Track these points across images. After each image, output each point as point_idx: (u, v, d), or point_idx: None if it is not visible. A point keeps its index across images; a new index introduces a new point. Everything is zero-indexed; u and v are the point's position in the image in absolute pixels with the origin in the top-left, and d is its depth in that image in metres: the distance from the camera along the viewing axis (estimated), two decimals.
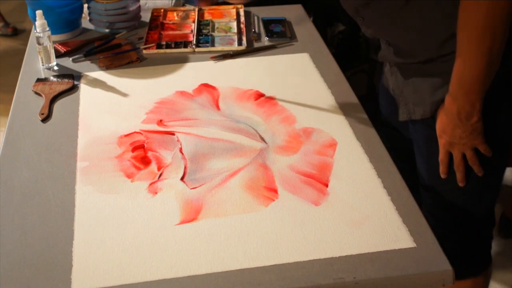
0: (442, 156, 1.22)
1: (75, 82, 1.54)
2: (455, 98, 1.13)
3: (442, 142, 1.21)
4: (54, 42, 1.65)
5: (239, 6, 1.93)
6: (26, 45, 1.78)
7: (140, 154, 1.26)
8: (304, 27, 1.84)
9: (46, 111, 1.41)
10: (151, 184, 1.17)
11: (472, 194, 1.26)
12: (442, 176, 1.24)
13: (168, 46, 1.72)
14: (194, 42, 1.72)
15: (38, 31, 1.56)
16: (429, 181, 1.31)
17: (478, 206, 1.29)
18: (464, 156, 1.20)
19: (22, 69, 1.63)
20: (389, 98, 1.38)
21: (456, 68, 1.10)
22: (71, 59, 1.65)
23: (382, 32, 1.25)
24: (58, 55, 1.65)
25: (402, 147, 1.42)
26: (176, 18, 1.90)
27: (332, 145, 1.28)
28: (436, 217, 1.34)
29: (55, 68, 1.61)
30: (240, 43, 1.72)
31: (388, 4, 1.16)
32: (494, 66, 1.08)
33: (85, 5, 1.85)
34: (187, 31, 1.82)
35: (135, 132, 1.33)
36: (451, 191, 1.27)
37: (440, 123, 1.19)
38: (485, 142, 1.18)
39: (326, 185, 1.16)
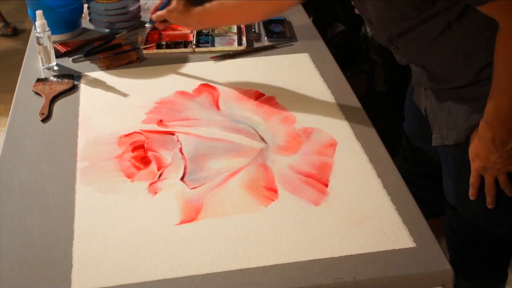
0: (473, 179, 1.20)
1: (75, 82, 1.53)
2: (490, 125, 1.11)
3: (474, 166, 1.18)
4: (54, 42, 1.65)
5: None
6: (26, 45, 1.78)
7: (140, 154, 1.26)
8: (304, 27, 1.84)
9: (46, 111, 1.41)
10: (151, 184, 1.17)
11: (497, 216, 1.25)
12: (471, 198, 1.23)
13: (168, 46, 1.72)
14: (194, 42, 1.72)
15: (38, 31, 1.55)
16: (456, 201, 1.30)
17: (502, 227, 1.28)
18: (495, 180, 1.18)
19: (22, 69, 1.63)
20: (417, 116, 1.35)
21: (492, 96, 1.08)
22: (71, 59, 1.65)
23: (417, 60, 1.23)
24: (58, 55, 1.65)
25: (425, 163, 1.42)
26: None
27: (332, 145, 1.28)
28: (459, 235, 1.35)
29: (55, 68, 1.61)
30: (240, 43, 1.72)
31: (424, 33, 1.13)
32: None
33: (85, 5, 1.85)
34: (187, 31, 1.82)
35: (135, 132, 1.33)
36: (477, 212, 1.26)
37: (474, 148, 1.17)
38: None
39: (326, 185, 1.16)
